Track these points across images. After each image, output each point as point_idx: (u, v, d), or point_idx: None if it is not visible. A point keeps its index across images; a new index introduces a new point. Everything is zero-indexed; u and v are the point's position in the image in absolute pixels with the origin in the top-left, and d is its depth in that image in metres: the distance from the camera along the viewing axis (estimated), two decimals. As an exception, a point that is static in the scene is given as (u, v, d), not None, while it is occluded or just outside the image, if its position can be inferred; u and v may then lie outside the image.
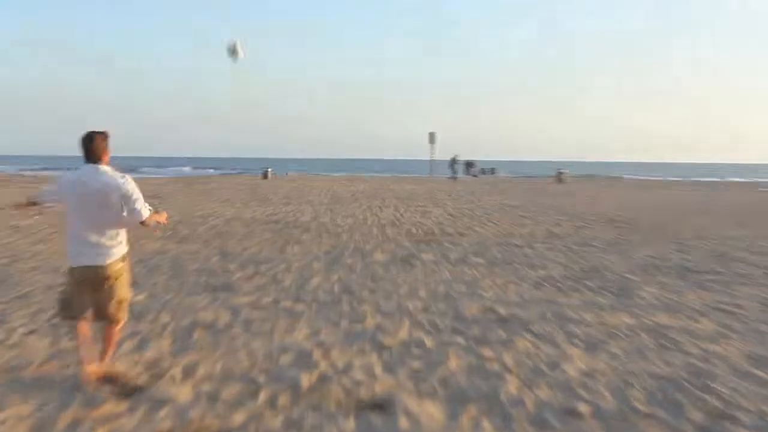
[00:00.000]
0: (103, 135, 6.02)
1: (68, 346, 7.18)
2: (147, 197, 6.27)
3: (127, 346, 7.25)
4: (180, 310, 8.82)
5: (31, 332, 7.73)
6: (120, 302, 6.13)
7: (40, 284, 10.38)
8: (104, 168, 5.99)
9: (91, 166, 5.98)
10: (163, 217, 6.19)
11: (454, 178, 52.57)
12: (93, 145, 5.95)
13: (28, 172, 65.45)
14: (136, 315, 8.29)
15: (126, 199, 5.95)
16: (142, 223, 6.02)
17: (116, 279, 6.04)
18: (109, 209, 5.94)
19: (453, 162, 54.93)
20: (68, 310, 6.12)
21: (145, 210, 6.05)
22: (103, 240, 5.97)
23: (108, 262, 5.99)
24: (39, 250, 13.80)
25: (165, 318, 8.40)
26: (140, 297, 9.42)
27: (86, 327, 6.17)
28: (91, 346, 6.19)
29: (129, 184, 5.98)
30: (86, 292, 6.03)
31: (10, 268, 11.67)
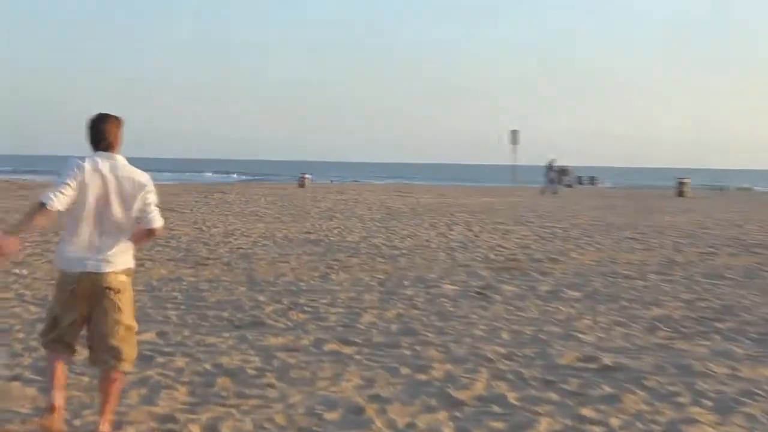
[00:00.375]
0: (118, 119, 6.08)
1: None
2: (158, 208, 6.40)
3: (133, 396, 7.39)
4: (198, 352, 8.95)
5: (14, 378, 7.92)
6: (128, 329, 6.20)
7: (23, 317, 10.62)
8: (124, 160, 6.08)
9: (105, 155, 6.05)
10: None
11: (554, 190, 52.22)
12: (106, 128, 6.01)
13: None
14: (144, 357, 8.44)
15: (146, 201, 6.08)
16: (152, 233, 6.16)
17: (122, 294, 6.13)
18: (130, 210, 6.06)
19: (549, 168, 54.56)
20: (53, 331, 6.19)
21: (160, 217, 6.20)
22: (113, 246, 6.06)
23: (115, 270, 6.08)
24: (23, 274, 14.11)
25: (180, 362, 8.53)
26: (149, 335, 9.58)
27: (64, 366, 6.28)
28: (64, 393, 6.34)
29: (152, 183, 6.15)
30: (81, 309, 6.10)
31: (-13, 297, 11.96)
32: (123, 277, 6.16)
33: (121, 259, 6.13)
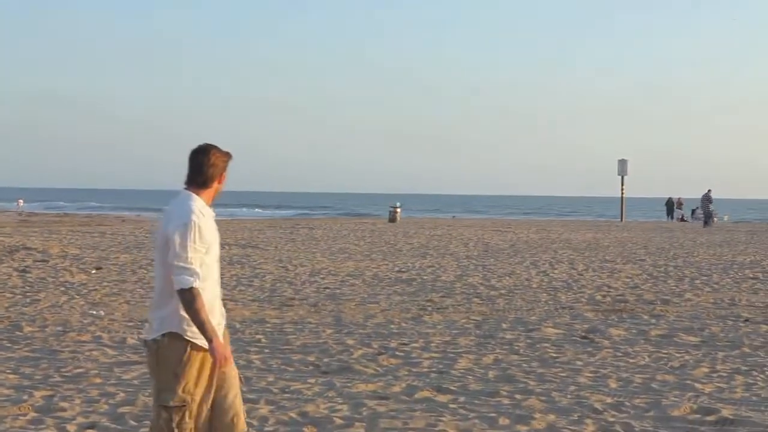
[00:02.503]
0: (223, 154, 5.58)
1: None
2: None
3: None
4: (283, 399, 9.01)
5: (91, 426, 8.08)
6: (158, 393, 5.54)
7: (99, 362, 10.84)
8: (193, 198, 5.50)
9: (184, 193, 5.56)
10: (216, 347, 5.38)
11: (707, 222, 51.83)
12: (202, 162, 5.51)
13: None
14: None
15: (167, 247, 5.43)
16: (182, 296, 5.35)
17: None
18: (165, 258, 5.46)
19: (707, 200, 54.28)
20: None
21: (184, 276, 5.33)
22: (162, 303, 5.55)
23: (156, 336, 5.50)
24: (100, 315, 14.42)
25: (264, 410, 8.60)
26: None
27: None
28: None
29: (181, 227, 5.35)
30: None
31: (61, 339, 12.25)
32: (175, 343, 5.57)
33: (171, 319, 5.55)
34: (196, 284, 5.27)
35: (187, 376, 5.39)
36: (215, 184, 5.58)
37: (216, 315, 5.45)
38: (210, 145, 5.58)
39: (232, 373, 5.56)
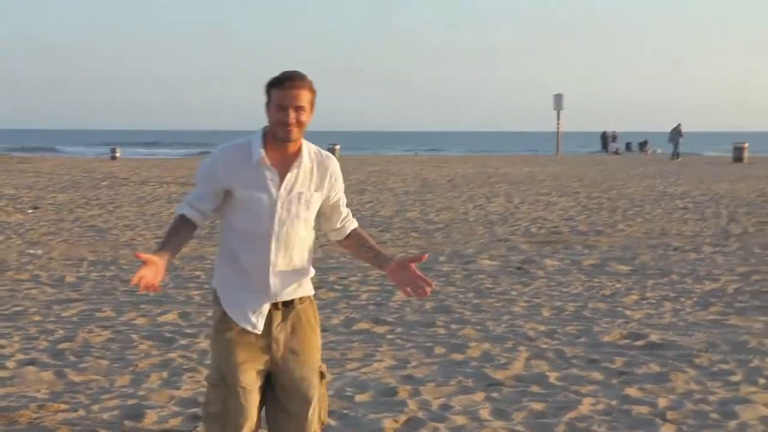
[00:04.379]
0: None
1: (77, 380, 7.48)
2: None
3: (154, 379, 7.51)
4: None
5: (30, 362, 8.08)
6: None
7: (38, 300, 10.80)
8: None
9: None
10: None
11: (676, 156, 52.51)
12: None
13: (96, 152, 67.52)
14: (165, 339, 8.55)
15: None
16: None
17: None
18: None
19: (677, 134, 54.76)
20: None
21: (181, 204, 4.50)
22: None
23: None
24: (35, 254, 14.32)
25: (204, 343, 8.63)
26: (170, 316, 9.71)
27: None
28: None
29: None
30: None
31: None
32: None
33: None
34: None
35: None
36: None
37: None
38: None
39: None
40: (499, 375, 7.60)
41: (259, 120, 4.43)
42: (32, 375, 7.68)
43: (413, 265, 4.41)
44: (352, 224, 4.64)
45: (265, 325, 4.35)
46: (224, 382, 4.32)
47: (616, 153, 66.30)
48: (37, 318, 9.81)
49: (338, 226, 4.60)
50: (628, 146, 72.23)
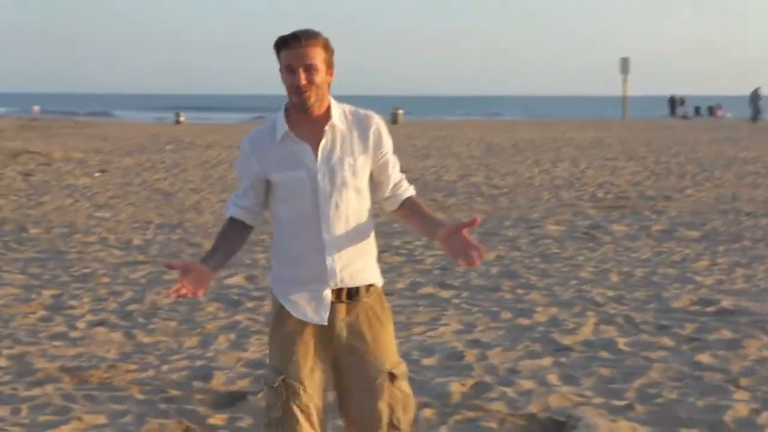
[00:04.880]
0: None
1: (146, 341, 7.59)
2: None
3: (222, 341, 7.59)
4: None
5: (100, 323, 8.21)
6: None
7: (106, 262, 10.96)
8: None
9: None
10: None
11: (756, 119, 52.06)
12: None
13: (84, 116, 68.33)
14: (232, 301, 8.63)
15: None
16: None
17: None
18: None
19: (755, 97, 54.14)
20: None
21: None
22: None
23: None
24: (102, 217, 14.53)
25: (269, 306, 8.71)
26: (237, 278, 9.80)
27: None
28: None
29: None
30: None
31: (67, 241, 12.36)
32: None
33: None
34: None
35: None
36: None
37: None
38: None
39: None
40: (567, 340, 7.56)
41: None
42: (102, 336, 7.81)
43: (465, 231, 3.83)
44: (408, 191, 4.11)
45: (328, 319, 3.90)
46: (284, 384, 3.90)
47: (684, 117, 65.39)
48: (106, 280, 9.96)
49: (389, 193, 4.06)
50: (696, 110, 71.19)
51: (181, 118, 57.96)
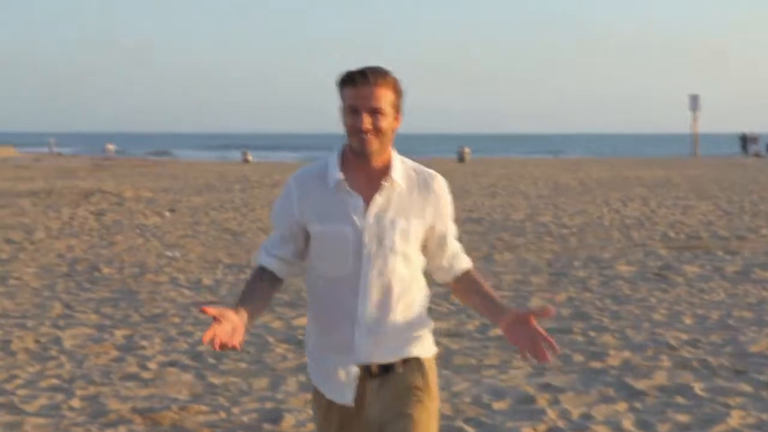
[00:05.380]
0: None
1: (216, 382, 7.62)
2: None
3: (292, 383, 7.58)
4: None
5: (171, 364, 8.25)
6: None
7: (176, 302, 11.04)
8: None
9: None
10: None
11: None
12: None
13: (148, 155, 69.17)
14: (299, 342, 8.65)
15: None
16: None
17: None
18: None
19: None
20: None
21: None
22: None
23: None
24: (173, 257, 14.66)
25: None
26: (305, 319, 9.80)
27: None
28: None
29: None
30: None
31: (138, 281, 12.49)
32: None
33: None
34: None
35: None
36: None
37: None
38: None
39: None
40: (641, 385, 7.44)
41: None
42: (173, 377, 7.85)
43: (534, 320, 3.41)
44: (464, 263, 3.67)
45: (358, 395, 3.49)
46: None
47: (757, 155, 64.50)
48: (176, 320, 10.03)
49: (445, 264, 3.64)
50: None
51: (249, 157, 58.59)
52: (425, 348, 3.60)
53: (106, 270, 13.31)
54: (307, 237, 3.53)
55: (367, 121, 3.38)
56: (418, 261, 3.56)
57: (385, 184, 3.46)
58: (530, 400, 7.08)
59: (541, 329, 3.38)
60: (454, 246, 3.65)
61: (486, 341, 8.95)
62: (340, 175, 3.45)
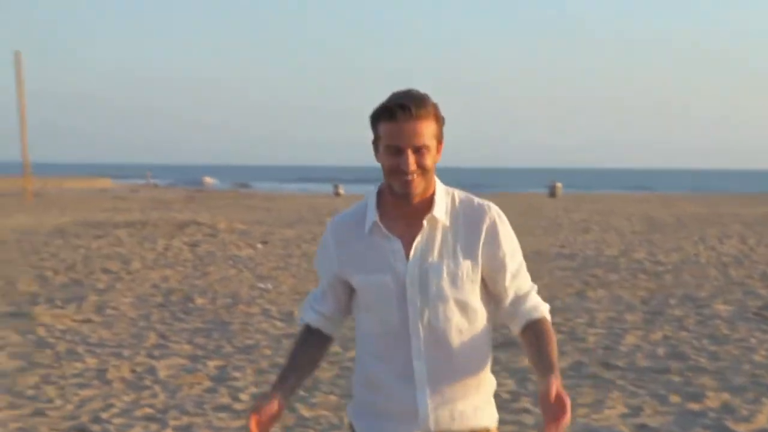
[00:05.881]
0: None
1: (307, 415, 7.62)
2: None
3: None
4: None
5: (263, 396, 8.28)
6: None
7: (268, 333, 11.11)
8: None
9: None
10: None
11: None
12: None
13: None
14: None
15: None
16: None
17: None
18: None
19: None
20: None
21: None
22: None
23: None
24: (265, 288, 14.77)
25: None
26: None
27: None
28: None
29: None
30: None
31: (231, 312, 12.60)
32: None
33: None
34: None
35: None
36: None
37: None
38: None
39: None
40: (741, 428, 7.25)
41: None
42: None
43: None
44: (536, 311, 3.18)
45: None
46: None
47: None
48: (268, 351, 10.08)
49: (508, 308, 3.17)
50: None
51: (341, 190, 58.98)
52: (492, 415, 3.22)
53: (199, 300, 13.47)
54: (349, 290, 3.20)
55: (412, 162, 2.99)
56: (479, 307, 3.13)
57: (426, 222, 3.07)
58: (626, 441, 6.95)
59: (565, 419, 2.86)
60: (520, 287, 3.20)
61: (579, 379, 8.82)
62: (376, 217, 3.08)
